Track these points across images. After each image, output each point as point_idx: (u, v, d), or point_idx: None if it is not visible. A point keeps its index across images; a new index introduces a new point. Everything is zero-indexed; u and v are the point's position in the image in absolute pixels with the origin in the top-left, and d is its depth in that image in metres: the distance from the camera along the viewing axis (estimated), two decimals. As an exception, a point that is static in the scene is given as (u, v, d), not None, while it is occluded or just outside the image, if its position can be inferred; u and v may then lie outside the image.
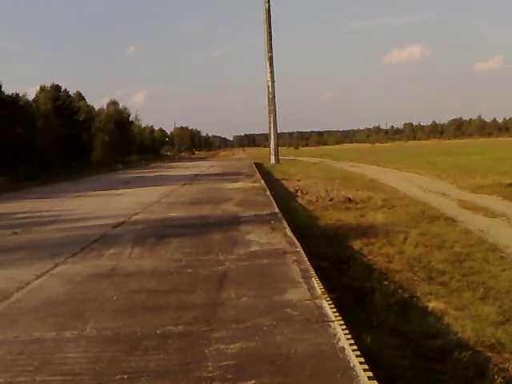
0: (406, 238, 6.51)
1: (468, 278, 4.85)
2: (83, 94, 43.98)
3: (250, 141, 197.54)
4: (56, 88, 37.50)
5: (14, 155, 25.37)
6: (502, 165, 19.13)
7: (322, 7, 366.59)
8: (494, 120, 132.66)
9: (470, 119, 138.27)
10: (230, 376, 2.29)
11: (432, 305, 4.01)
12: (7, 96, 28.55)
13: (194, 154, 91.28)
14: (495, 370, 2.85)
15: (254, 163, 28.61)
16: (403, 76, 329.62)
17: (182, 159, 59.05)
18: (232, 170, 24.05)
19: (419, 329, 3.43)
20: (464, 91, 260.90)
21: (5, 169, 22.60)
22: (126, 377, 2.33)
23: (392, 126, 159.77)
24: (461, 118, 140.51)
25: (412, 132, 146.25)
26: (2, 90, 28.23)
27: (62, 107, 35.43)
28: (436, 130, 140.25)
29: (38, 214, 9.65)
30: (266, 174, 20.03)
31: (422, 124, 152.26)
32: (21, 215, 9.57)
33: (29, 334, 2.99)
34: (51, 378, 2.36)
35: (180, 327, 2.96)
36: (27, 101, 31.67)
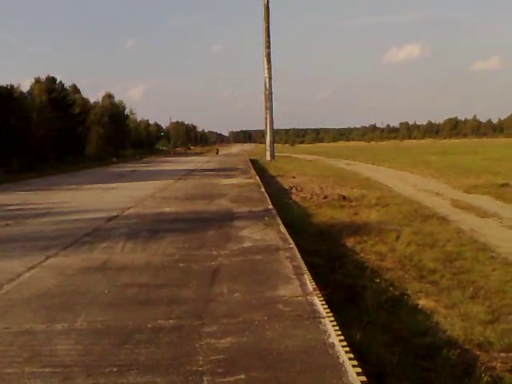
0: (398, 237, 6.55)
1: (458, 276, 4.89)
2: (79, 87, 43.62)
3: (246, 137, 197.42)
4: (51, 80, 37.05)
5: (8, 147, 25.11)
6: (495, 165, 19.28)
7: (321, 4, 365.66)
8: (489, 120, 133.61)
9: (466, 119, 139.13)
10: (220, 370, 2.30)
11: (422, 303, 4.05)
12: (1, 87, 28.23)
13: (189, 149, 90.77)
14: (483, 368, 2.88)
15: (250, 159, 28.59)
16: (400, 75, 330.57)
17: (177, 154, 58.84)
18: (227, 165, 24.02)
19: (409, 326, 3.45)
20: (460, 91, 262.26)
21: (-2, 160, 22.40)
22: (115, 370, 2.33)
23: (388, 125, 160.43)
24: (456, 117, 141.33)
25: (407, 131, 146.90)
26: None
27: (57, 100, 35.05)
28: (431, 130, 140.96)
29: (31, 206, 9.59)
30: (261, 170, 20.02)
31: (417, 123, 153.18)
32: (13, 207, 9.49)
33: (19, 325, 2.98)
34: (41, 370, 2.36)
35: (171, 321, 2.97)
36: (22, 93, 31.31)
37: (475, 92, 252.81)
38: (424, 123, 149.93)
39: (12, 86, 29.54)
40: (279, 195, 11.11)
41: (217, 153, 60.52)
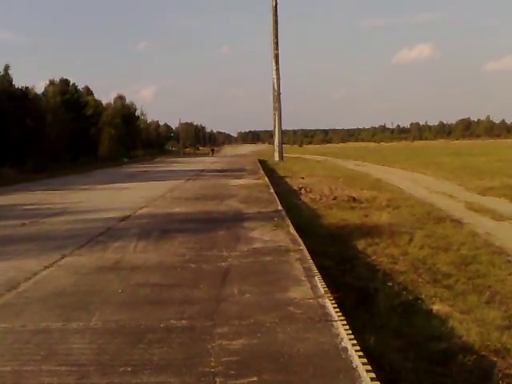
0: (411, 239, 6.48)
1: (474, 281, 4.81)
2: (91, 89, 44.25)
3: (255, 137, 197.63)
4: (65, 82, 37.68)
5: (23, 147, 25.56)
6: (510, 167, 18.94)
7: (330, 5, 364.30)
8: (503, 121, 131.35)
9: (479, 120, 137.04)
10: (232, 372, 2.31)
11: (436, 307, 3.99)
12: (17, 89, 28.77)
13: (198, 149, 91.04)
14: (500, 375, 2.83)
15: (258, 160, 28.61)
16: (411, 75, 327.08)
17: (186, 154, 59.10)
18: (236, 166, 24.05)
19: (423, 331, 3.41)
20: (473, 92, 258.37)
21: (14, 160, 22.76)
22: (129, 369, 2.35)
23: (398, 125, 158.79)
24: (469, 118, 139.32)
25: (418, 132, 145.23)
26: (13, 83, 28.52)
27: (70, 101, 35.61)
28: (443, 130, 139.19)
29: (46, 205, 9.73)
30: (269, 171, 20.00)
31: (429, 124, 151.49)
32: (29, 207, 9.64)
33: (36, 323, 3.02)
34: (57, 368, 2.39)
35: (183, 322, 2.98)
36: (36, 94, 31.85)
37: (488, 92, 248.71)
38: (436, 124, 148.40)
39: (27, 88, 30.10)
40: (288, 196, 11.08)
41: (212, 154, 52.83)
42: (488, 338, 3.34)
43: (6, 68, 28.25)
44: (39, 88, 35.97)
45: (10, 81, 28.30)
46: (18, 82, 31.42)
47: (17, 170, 21.11)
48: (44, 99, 32.89)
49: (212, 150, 61.13)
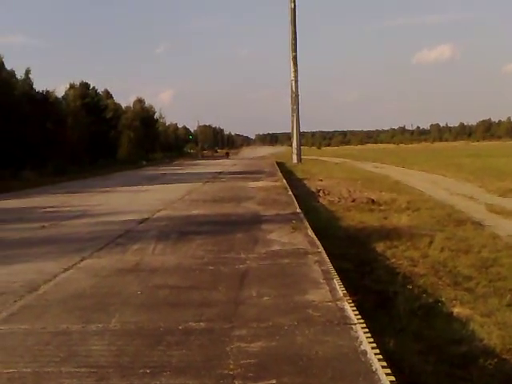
0: (431, 242, 6.37)
1: (495, 284, 4.71)
2: (111, 92, 45.10)
3: (273, 139, 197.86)
4: (85, 86, 38.50)
5: (43, 150, 26.20)
6: (533, 168, 18.41)
7: (347, 6, 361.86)
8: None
9: (499, 121, 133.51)
10: (251, 374, 2.30)
11: (457, 310, 3.92)
12: (38, 93, 29.56)
13: (216, 152, 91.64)
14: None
15: (276, 162, 28.58)
16: (431, 76, 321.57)
17: (204, 157, 59.57)
18: (254, 168, 24.09)
19: (443, 334, 3.35)
20: (493, 93, 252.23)
21: (34, 164, 23.35)
22: (148, 371, 2.37)
23: (418, 127, 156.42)
24: (489, 119, 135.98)
25: (438, 133, 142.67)
26: (33, 87, 29.33)
27: (90, 105, 36.37)
28: (463, 132, 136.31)
29: (66, 208, 9.94)
30: (287, 173, 19.96)
31: (449, 125, 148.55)
32: (49, 209, 9.86)
33: (56, 325, 3.07)
34: (77, 370, 2.42)
35: (202, 324, 2.99)
36: (57, 98, 32.64)
37: (509, 93, 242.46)
38: (456, 125, 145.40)
39: (48, 91, 30.85)
40: (306, 198, 11.03)
41: (227, 157, 55.62)
42: (510, 342, 3.26)
43: (27, 72, 29.08)
44: (59, 92, 36.68)
45: (30, 84, 29.10)
46: (37, 85, 32.09)
47: (37, 173, 21.63)
48: (64, 103, 33.65)
49: (227, 154, 64.23)
